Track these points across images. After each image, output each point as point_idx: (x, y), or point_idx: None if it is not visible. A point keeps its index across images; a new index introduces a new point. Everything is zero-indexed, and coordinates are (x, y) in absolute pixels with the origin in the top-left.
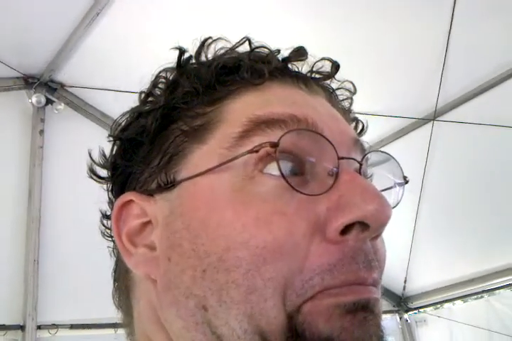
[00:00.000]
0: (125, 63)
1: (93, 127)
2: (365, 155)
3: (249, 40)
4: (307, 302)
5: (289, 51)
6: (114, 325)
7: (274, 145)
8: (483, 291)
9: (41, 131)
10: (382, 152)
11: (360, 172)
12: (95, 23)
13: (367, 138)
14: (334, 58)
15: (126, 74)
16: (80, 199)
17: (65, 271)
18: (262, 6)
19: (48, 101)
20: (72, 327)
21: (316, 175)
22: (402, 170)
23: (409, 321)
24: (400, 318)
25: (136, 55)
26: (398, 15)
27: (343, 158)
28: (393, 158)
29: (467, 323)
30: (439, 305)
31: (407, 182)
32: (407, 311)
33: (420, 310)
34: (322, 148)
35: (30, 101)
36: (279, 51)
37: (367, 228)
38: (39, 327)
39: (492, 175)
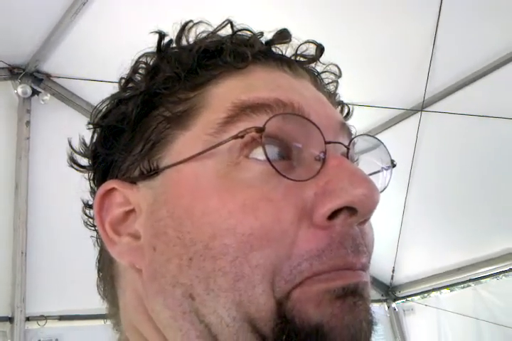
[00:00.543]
0: (112, 53)
1: (80, 118)
2: (352, 139)
3: (231, 23)
4: (296, 288)
5: (272, 34)
6: (103, 316)
7: (260, 130)
8: (470, 280)
9: (27, 122)
10: (369, 136)
11: (347, 157)
12: (81, 13)
13: (355, 129)
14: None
15: (113, 65)
16: (67, 190)
17: (53, 263)
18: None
19: (34, 92)
20: (61, 318)
21: (302, 160)
22: (389, 154)
23: (397, 310)
24: (388, 307)
25: (124, 45)
26: (387, 8)
27: (329, 143)
28: (381, 142)
29: (454, 312)
30: (426, 294)
31: (394, 165)
32: (395, 300)
33: (408, 298)
34: (308, 132)
35: (15, 91)
36: (262, 34)
37: (355, 213)
38: (28, 319)
39: (480, 165)
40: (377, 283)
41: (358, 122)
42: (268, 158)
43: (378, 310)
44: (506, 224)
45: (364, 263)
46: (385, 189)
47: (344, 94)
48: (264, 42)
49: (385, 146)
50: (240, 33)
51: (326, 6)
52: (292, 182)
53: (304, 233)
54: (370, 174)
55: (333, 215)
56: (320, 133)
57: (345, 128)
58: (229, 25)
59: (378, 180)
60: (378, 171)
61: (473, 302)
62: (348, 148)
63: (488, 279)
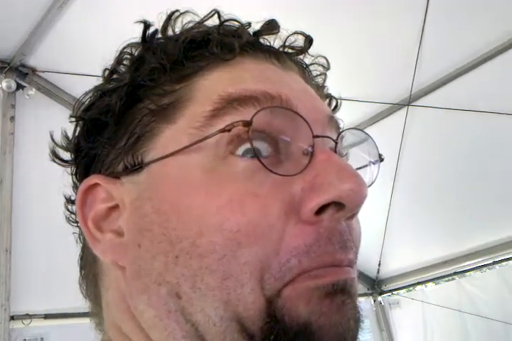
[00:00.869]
0: (100, 47)
1: (66, 113)
2: (340, 133)
3: (218, 13)
4: (287, 285)
5: (260, 25)
6: (89, 314)
7: (247, 123)
8: (455, 273)
9: (12, 118)
10: (357, 129)
11: (335, 151)
12: (67, 6)
13: (343, 123)
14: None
15: (100, 58)
16: (52, 187)
17: (38, 260)
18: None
19: (19, 86)
20: (47, 317)
21: (290, 155)
22: (377, 148)
23: (382, 303)
24: (374, 301)
25: (112, 38)
26: (375, 2)
27: (318, 137)
28: (368, 135)
29: (439, 304)
30: (411, 288)
31: (382, 160)
32: (380, 294)
33: (394, 292)
34: (296, 126)
35: (0, 86)
36: (249, 24)
37: (342, 208)
38: (12, 318)
39: (466, 160)
40: (363, 277)
41: (345, 116)
42: (255, 153)
43: (364, 303)
44: (490, 218)
45: (351, 259)
46: (372, 183)
47: (332, 88)
48: (251, 33)
49: (373, 140)
50: (227, 23)
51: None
52: (279, 177)
53: (292, 228)
54: (358, 168)
55: (321, 210)
56: (308, 126)
57: (333, 122)
58: (216, 15)
59: (366, 175)
60: (366, 165)
61: (458, 295)
62: (337, 142)
63: (471, 272)
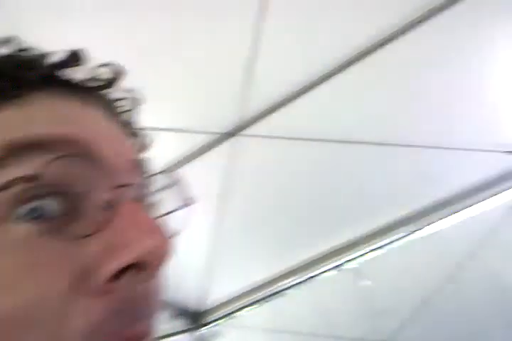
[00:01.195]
0: None
1: None
2: (147, 178)
3: (14, 40)
4: None
5: (62, 54)
6: None
7: (33, 178)
8: (273, 294)
9: None
10: (166, 173)
11: (140, 200)
12: None
13: (163, 159)
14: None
15: None
16: None
17: None
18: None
19: None
20: None
21: (86, 211)
22: (189, 190)
23: (205, 336)
24: (196, 335)
25: None
26: (202, 23)
27: (121, 186)
28: (179, 178)
29: (257, 327)
30: (233, 314)
31: (194, 202)
32: (204, 325)
33: (216, 322)
34: (96, 175)
35: None
36: (47, 54)
37: (142, 269)
38: None
39: (293, 188)
40: (184, 312)
41: (166, 151)
42: (40, 216)
43: (185, 340)
44: (305, 236)
45: (146, 330)
46: (186, 228)
47: (147, 120)
48: (50, 64)
49: (184, 182)
50: (20, 53)
51: (122, 9)
52: (69, 242)
53: (78, 305)
54: (169, 213)
55: (119, 275)
56: (109, 176)
57: (139, 167)
58: (11, 43)
59: (176, 219)
60: (177, 209)
61: (273, 315)
62: (142, 191)
63: (287, 291)
